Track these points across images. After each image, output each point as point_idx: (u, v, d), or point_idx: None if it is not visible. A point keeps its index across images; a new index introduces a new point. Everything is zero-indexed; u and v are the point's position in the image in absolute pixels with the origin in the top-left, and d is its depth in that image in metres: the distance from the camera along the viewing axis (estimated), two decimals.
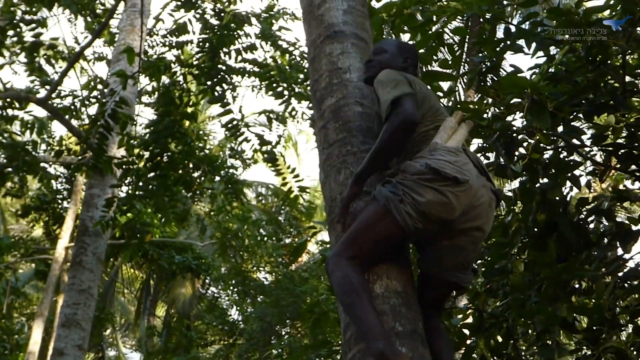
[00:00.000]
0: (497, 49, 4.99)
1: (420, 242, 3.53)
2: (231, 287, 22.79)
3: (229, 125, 10.62)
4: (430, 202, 3.19)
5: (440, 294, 3.61)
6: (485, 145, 4.95)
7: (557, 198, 4.94)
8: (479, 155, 4.60)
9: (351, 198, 3.47)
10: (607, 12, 4.70)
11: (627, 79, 4.68)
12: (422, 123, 3.53)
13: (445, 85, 6.22)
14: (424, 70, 5.97)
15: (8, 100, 10.48)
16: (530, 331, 5.39)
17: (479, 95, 5.47)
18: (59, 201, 18.08)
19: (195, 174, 11.06)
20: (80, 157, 11.51)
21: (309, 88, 10.05)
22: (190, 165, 10.76)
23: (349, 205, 3.48)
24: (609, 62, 4.63)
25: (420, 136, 3.53)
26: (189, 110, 10.62)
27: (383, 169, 3.56)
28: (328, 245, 5.21)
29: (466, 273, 3.50)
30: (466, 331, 5.37)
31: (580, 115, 4.83)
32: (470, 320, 5.61)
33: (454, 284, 3.52)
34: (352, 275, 3.17)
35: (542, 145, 4.88)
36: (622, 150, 4.91)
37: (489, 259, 5.43)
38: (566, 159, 5.02)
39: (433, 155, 3.32)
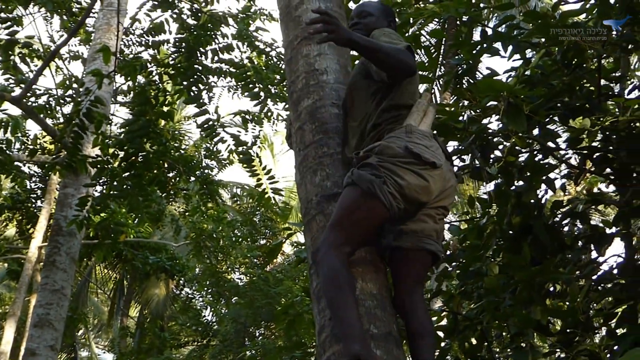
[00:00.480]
0: (474, 51, 5.01)
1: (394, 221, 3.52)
2: (205, 288, 22.62)
3: (205, 126, 10.57)
4: (412, 184, 3.26)
5: (420, 267, 3.58)
6: (461, 147, 4.96)
7: (532, 201, 4.96)
8: (454, 157, 4.62)
9: (332, 38, 3.40)
10: (583, 16, 4.73)
11: (603, 82, 4.71)
12: (403, 96, 3.59)
13: (421, 87, 6.22)
14: None
15: None
16: (504, 334, 5.40)
17: (455, 97, 5.47)
18: (33, 200, 17.92)
19: (170, 174, 11.00)
20: (54, 156, 11.39)
21: (285, 89, 10.03)
22: (165, 166, 10.70)
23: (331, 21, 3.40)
24: (584, 65, 4.66)
25: (394, 115, 3.57)
26: (165, 109, 10.55)
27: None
28: (303, 247, 5.19)
29: (439, 242, 3.56)
30: (440, 333, 5.36)
31: (556, 118, 4.85)
32: (444, 322, 5.61)
33: (431, 254, 3.54)
34: (340, 270, 3.16)
35: (517, 148, 4.90)
36: (597, 154, 4.93)
37: (464, 261, 5.44)
38: (541, 162, 5.04)
39: (410, 139, 3.36)
